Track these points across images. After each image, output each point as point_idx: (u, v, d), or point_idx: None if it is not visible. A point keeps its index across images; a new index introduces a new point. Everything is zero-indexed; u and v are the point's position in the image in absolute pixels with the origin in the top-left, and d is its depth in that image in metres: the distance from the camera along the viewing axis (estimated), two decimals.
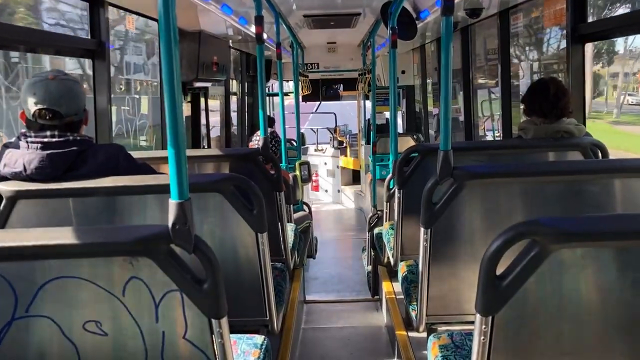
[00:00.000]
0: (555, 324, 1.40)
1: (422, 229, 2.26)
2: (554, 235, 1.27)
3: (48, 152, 2.09)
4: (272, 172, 3.06)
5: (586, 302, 1.38)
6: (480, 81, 6.17)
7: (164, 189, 2.08)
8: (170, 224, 1.38)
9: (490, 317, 1.38)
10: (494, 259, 1.32)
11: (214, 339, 1.46)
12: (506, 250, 1.32)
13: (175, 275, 1.40)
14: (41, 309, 1.46)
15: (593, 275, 1.36)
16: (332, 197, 11.93)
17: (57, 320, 1.47)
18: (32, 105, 2.10)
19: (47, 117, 2.10)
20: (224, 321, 1.46)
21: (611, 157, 2.90)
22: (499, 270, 1.35)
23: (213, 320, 1.44)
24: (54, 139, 2.11)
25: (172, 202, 1.38)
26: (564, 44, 3.55)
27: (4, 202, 2.12)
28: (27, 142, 2.10)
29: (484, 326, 1.37)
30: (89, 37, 3.40)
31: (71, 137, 2.14)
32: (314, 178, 11.44)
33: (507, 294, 1.35)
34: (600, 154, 2.78)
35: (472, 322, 1.90)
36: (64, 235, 1.46)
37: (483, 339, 1.38)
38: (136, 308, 1.46)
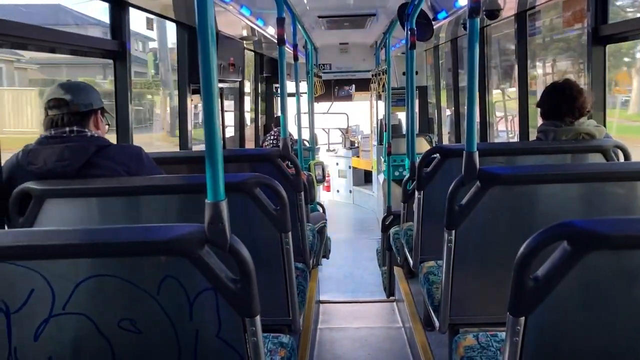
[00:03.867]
0: (589, 327, 1.40)
1: (445, 231, 2.26)
2: (589, 237, 1.28)
3: (67, 144, 2.19)
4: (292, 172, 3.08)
5: (621, 305, 1.38)
6: (497, 82, 6.16)
7: (194, 189, 2.11)
8: (206, 224, 1.40)
9: (522, 318, 1.38)
10: (528, 260, 1.33)
11: (246, 338, 1.48)
12: (540, 252, 1.32)
13: (210, 274, 1.41)
14: (77, 307, 1.48)
15: (628, 278, 1.36)
16: (344, 198, 11.94)
17: (92, 317, 1.49)
18: (47, 98, 2.25)
19: (55, 106, 2.23)
20: (257, 320, 1.47)
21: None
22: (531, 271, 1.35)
23: (246, 319, 1.46)
24: (72, 134, 2.22)
25: (208, 202, 1.40)
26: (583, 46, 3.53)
27: (32, 201, 2.16)
28: (47, 138, 2.21)
29: (517, 327, 1.37)
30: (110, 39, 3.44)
31: (89, 134, 2.26)
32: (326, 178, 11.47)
33: (540, 295, 1.35)
34: (622, 156, 2.77)
35: (497, 324, 1.89)
36: (100, 234, 1.48)
37: (515, 340, 1.38)
38: (170, 306, 1.48)
